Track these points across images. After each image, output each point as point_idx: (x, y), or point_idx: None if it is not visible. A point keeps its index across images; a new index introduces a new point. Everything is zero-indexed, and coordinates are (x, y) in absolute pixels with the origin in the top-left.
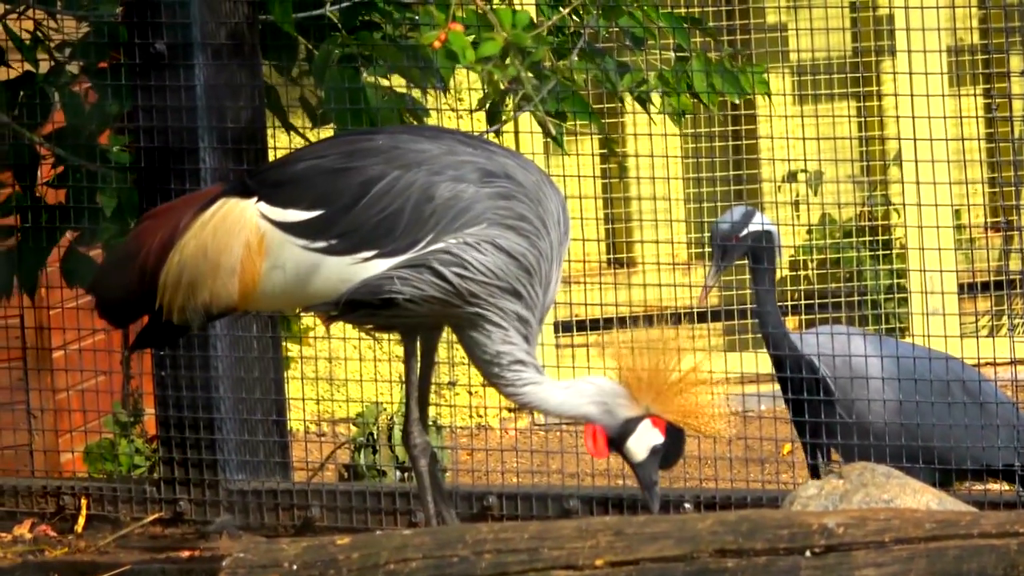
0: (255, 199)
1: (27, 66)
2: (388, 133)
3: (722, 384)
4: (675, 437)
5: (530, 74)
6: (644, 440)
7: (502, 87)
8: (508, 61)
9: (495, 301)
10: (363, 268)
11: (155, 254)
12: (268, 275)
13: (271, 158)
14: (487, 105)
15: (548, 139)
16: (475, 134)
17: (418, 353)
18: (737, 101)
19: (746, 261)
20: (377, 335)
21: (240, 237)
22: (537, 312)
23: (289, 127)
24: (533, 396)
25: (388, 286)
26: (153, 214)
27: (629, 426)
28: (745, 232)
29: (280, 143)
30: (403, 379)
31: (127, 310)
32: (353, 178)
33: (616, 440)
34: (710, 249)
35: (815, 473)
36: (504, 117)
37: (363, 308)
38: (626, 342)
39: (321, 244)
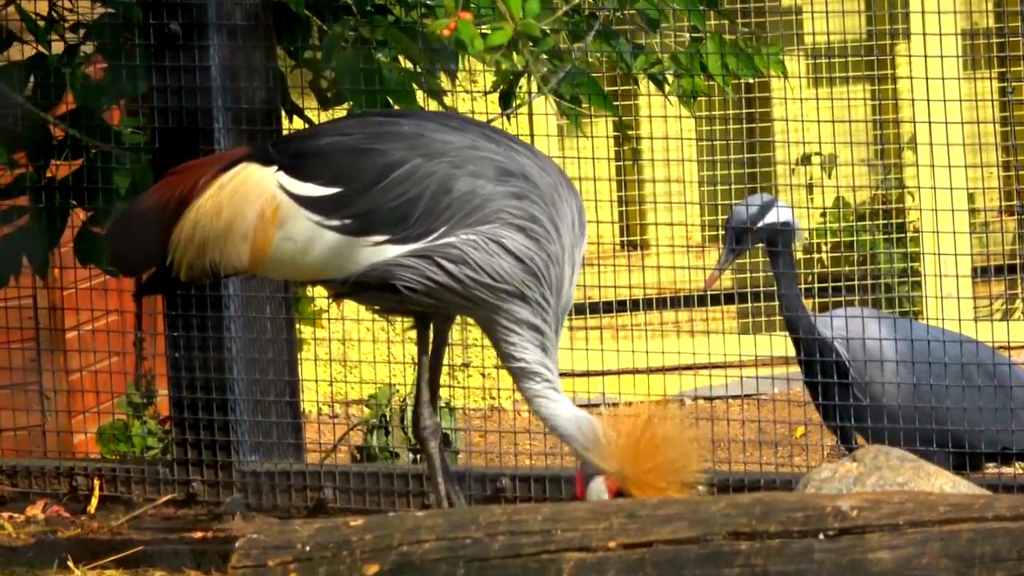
0: (275, 168)
1: (41, 47)
2: (415, 119)
3: (703, 463)
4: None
5: (544, 56)
6: (594, 492)
7: (512, 74)
8: (519, 47)
9: (502, 304)
10: (374, 251)
11: (172, 209)
12: (279, 245)
13: None
14: (499, 89)
15: (562, 121)
16: (499, 129)
17: (430, 337)
18: (752, 81)
19: (763, 246)
20: (390, 317)
21: (256, 204)
22: (551, 318)
23: (293, 110)
24: (539, 408)
25: (396, 272)
26: (176, 171)
27: (594, 476)
28: (762, 224)
29: (297, 125)
30: (415, 361)
31: (139, 262)
32: (375, 160)
33: (585, 484)
34: (724, 233)
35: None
36: (517, 100)
37: (371, 290)
38: (626, 411)
39: (335, 222)
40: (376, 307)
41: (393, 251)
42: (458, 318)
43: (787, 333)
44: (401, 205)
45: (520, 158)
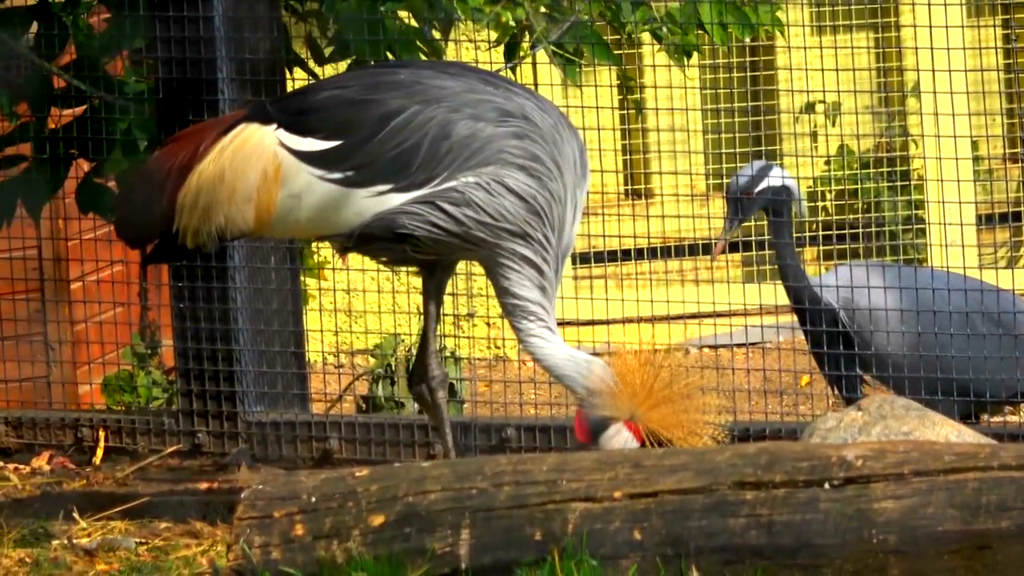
0: (275, 126)
1: None
2: (411, 68)
3: (714, 404)
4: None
5: (543, 9)
6: (616, 441)
7: (514, 26)
8: (520, 1)
9: (504, 243)
10: (378, 201)
11: (175, 176)
12: (283, 203)
13: (290, 89)
14: (503, 42)
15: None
16: (497, 73)
17: (435, 287)
18: (747, 40)
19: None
20: (395, 267)
21: (258, 164)
22: (551, 257)
23: (296, 62)
24: (535, 349)
25: (401, 220)
26: (177, 137)
27: (605, 422)
28: (762, 187)
29: (299, 76)
30: (420, 311)
31: (145, 232)
32: (373, 110)
33: (592, 430)
34: (726, 202)
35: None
36: (521, 52)
37: (377, 241)
38: (631, 352)
39: (337, 175)
40: (383, 259)
41: (397, 199)
42: (462, 266)
43: (790, 303)
44: (402, 153)
45: (519, 99)
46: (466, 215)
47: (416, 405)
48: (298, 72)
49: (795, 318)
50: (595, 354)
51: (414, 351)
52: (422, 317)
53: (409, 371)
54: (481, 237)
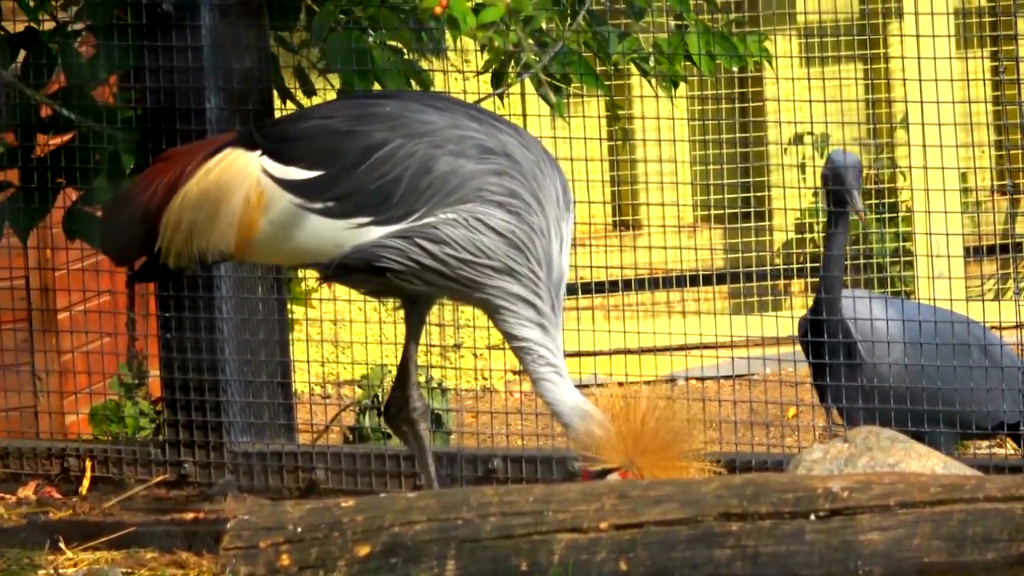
0: (259, 153)
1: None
2: (398, 100)
3: (705, 439)
4: None
5: (531, 40)
6: None
7: (504, 54)
8: (511, 27)
9: (493, 282)
10: (357, 233)
11: (160, 196)
12: (265, 230)
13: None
14: (491, 69)
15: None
16: (483, 108)
17: (422, 316)
18: (735, 70)
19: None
20: (378, 298)
21: (241, 189)
22: (543, 292)
23: (283, 93)
24: (543, 392)
25: (379, 254)
26: (165, 156)
27: (603, 474)
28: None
29: (288, 107)
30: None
31: (129, 249)
32: (356, 142)
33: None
34: (832, 188)
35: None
36: (508, 80)
37: (356, 273)
38: (624, 397)
39: (318, 205)
40: (363, 289)
41: (376, 233)
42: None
43: (811, 314)
44: (382, 187)
45: (502, 136)
46: (444, 252)
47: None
48: (290, 105)
49: (792, 348)
50: (583, 386)
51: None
52: (402, 348)
53: (385, 403)
54: (468, 277)
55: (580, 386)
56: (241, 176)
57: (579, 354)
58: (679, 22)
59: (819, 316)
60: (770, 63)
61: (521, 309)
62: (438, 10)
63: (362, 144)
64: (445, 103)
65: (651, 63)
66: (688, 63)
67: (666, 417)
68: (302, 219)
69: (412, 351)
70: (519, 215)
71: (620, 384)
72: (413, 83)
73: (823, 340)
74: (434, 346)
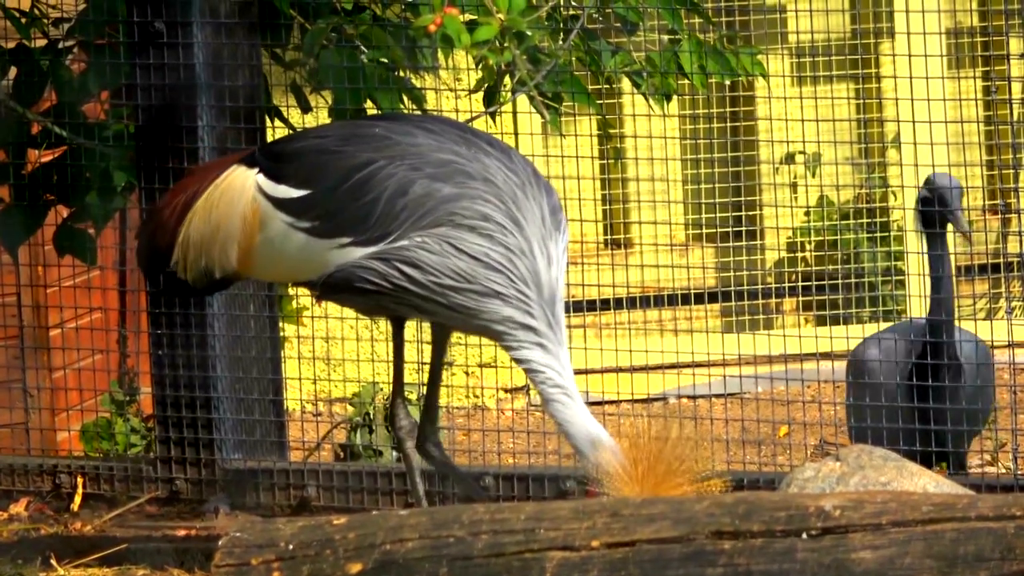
0: (257, 170)
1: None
2: (390, 121)
3: (715, 475)
4: None
5: (525, 57)
6: None
7: (497, 72)
8: (505, 44)
9: (481, 307)
10: (340, 253)
11: (179, 211)
12: (261, 247)
13: (269, 136)
14: (484, 87)
15: (546, 118)
16: (480, 131)
17: (404, 338)
18: (727, 83)
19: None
20: (369, 317)
21: (240, 206)
22: (536, 311)
23: (274, 112)
24: (553, 414)
25: (359, 274)
26: (191, 171)
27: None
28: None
29: (280, 125)
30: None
31: (153, 265)
32: (341, 162)
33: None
34: (929, 210)
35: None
36: (501, 99)
37: (343, 291)
38: (634, 428)
39: (305, 224)
40: (352, 308)
41: (357, 253)
42: None
43: (929, 335)
44: (361, 207)
45: (488, 159)
46: (424, 277)
47: (395, 453)
48: (279, 122)
49: (785, 367)
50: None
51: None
52: (392, 367)
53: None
54: (461, 303)
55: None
56: (239, 193)
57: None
58: (672, 36)
59: (938, 339)
60: (764, 77)
61: (518, 332)
62: (432, 28)
63: (347, 164)
64: (439, 125)
65: (644, 78)
66: (682, 78)
67: (675, 447)
68: (292, 237)
69: (398, 372)
70: (491, 237)
71: (630, 413)
72: (405, 100)
73: (942, 363)
74: (426, 364)
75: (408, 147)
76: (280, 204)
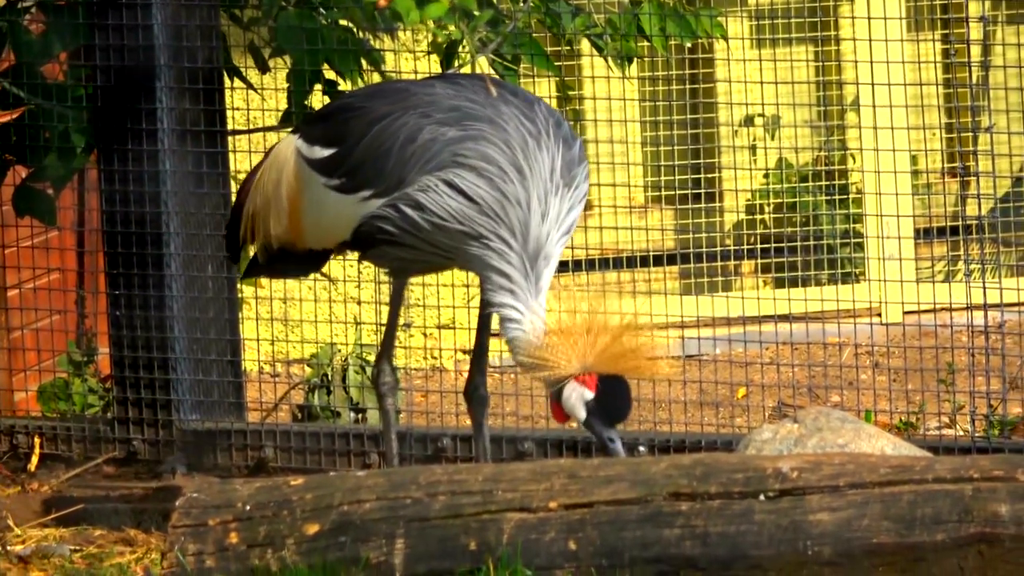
0: (297, 135)
1: None
2: (427, 81)
3: (659, 327)
4: (611, 389)
5: (481, 28)
6: (574, 398)
7: (448, 44)
8: (456, 20)
9: (468, 248)
10: (363, 206)
11: (247, 188)
12: (305, 210)
13: (228, 99)
14: (443, 49)
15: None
16: (507, 83)
17: (404, 295)
18: (688, 45)
19: None
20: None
21: (284, 172)
22: (515, 260)
23: (233, 71)
24: (513, 348)
25: (378, 225)
26: (267, 152)
27: (560, 389)
28: None
29: (238, 84)
30: (359, 320)
31: (231, 244)
32: (363, 117)
33: (555, 403)
34: None
35: None
36: (458, 61)
37: (374, 246)
38: (559, 306)
39: (335, 181)
40: (386, 268)
41: (375, 204)
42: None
43: None
44: (378, 159)
45: (505, 107)
46: (421, 217)
47: (352, 415)
48: (237, 81)
49: (743, 329)
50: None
51: (351, 360)
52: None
53: (348, 380)
54: (449, 244)
55: None
56: (284, 160)
57: None
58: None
59: None
60: (724, 39)
61: (492, 276)
62: (382, 3)
63: (367, 119)
64: (469, 80)
65: (605, 40)
66: (641, 40)
67: (605, 313)
68: (326, 196)
69: (391, 327)
70: (491, 180)
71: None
72: (364, 62)
73: None
74: (383, 325)
75: (423, 97)
76: (314, 164)
